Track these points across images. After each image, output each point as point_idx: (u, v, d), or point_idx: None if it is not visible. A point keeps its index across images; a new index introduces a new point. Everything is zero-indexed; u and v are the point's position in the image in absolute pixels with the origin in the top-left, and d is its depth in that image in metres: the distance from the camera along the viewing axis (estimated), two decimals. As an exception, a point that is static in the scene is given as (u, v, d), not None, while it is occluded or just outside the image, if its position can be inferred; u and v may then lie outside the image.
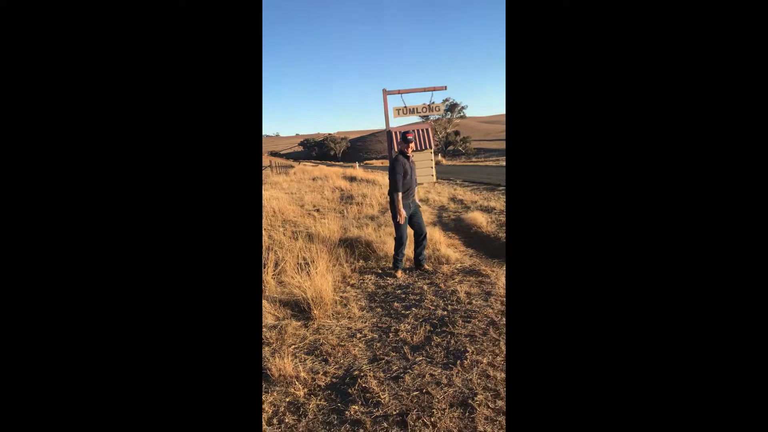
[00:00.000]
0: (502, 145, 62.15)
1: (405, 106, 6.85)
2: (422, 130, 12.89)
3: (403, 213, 4.08)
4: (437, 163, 24.81)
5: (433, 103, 7.19)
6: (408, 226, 4.27)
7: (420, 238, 4.34)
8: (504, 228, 5.86)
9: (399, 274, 4.20)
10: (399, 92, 6.73)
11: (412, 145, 4.20)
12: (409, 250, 4.48)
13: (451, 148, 54.72)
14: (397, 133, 4.77)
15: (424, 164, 13.10)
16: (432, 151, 13.16)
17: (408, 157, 4.17)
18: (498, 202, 8.12)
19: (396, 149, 4.63)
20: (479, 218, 6.38)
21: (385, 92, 6.50)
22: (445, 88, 7.03)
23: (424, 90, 6.91)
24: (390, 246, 4.83)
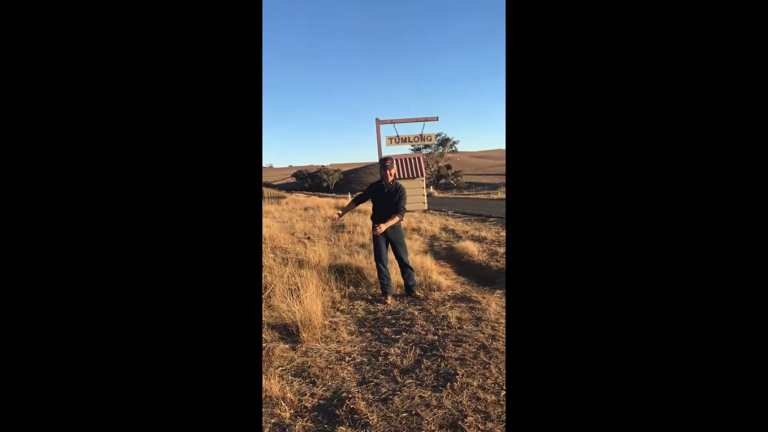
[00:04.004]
0: (493, 180, 62.83)
1: (397, 135, 6.99)
2: (414, 159, 13.06)
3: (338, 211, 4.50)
4: (429, 195, 25.00)
5: (425, 133, 7.35)
6: (390, 251, 4.31)
7: (401, 266, 4.34)
8: (495, 257, 5.87)
9: (389, 300, 4.15)
10: (392, 122, 6.89)
11: (392, 171, 4.22)
12: (399, 276, 4.46)
13: (442, 181, 55.42)
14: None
15: (415, 191, 13.21)
16: (423, 179, 13.31)
17: (382, 186, 4.21)
18: (489, 232, 8.16)
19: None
20: (471, 247, 6.39)
21: (378, 121, 6.65)
22: (437, 118, 7.24)
23: (416, 120, 7.08)
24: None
